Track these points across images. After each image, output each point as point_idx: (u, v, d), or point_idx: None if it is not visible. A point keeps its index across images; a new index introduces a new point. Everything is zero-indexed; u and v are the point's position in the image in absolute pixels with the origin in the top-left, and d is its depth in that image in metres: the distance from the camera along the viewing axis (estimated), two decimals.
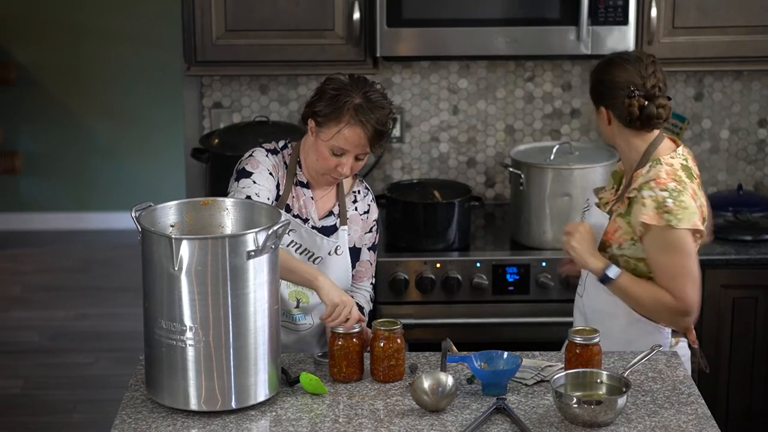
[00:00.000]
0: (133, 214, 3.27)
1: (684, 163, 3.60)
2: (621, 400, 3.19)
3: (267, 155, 3.71)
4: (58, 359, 6.05)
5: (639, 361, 3.44)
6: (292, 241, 3.68)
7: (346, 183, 3.80)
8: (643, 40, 4.54)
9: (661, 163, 3.56)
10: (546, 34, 4.49)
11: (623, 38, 4.49)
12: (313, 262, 3.70)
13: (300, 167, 3.72)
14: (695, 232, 3.52)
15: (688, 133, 4.98)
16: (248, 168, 3.66)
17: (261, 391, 3.27)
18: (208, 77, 4.90)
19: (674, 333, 3.67)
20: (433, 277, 4.44)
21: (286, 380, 3.41)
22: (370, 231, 3.83)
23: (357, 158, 3.63)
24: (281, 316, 3.72)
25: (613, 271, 3.55)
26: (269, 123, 4.69)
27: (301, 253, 3.69)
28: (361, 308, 3.78)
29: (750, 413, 4.57)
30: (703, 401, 3.34)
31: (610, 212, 3.64)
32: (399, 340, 3.44)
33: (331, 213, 3.74)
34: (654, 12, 4.51)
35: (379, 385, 3.42)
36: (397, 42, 4.51)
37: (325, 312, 3.52)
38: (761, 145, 5.01)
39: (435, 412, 3.26)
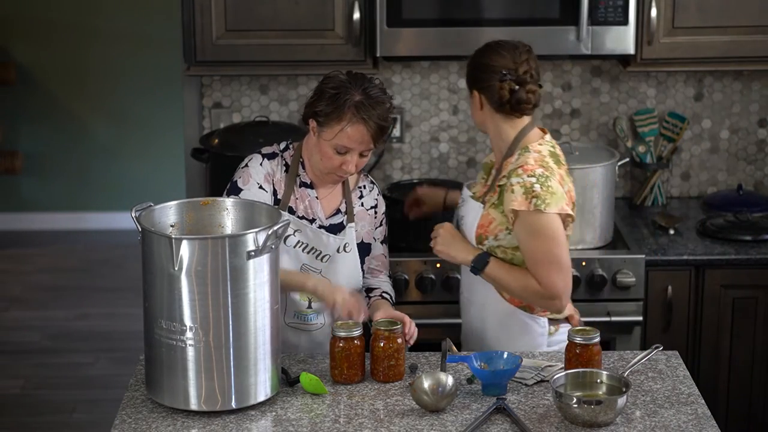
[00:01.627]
0: (133, 214, 3.27)
1: (552, 149, 3.68)
2: (621, 400, 3.19)
3: (262, 162, 3.70)
4: (58, 359, 6.05)
5: (639, 361, 3.44)
6: (299, 242, 3.67)
7: (351, 179, 3.80)
8: (643, 40, 4.54)
9: (530, 150, 3.64)
10: (546, 34, 4.49)
11: (623, 38, 4.48)
12: (322, 260, 3.69)
13: (303, 168, 3.72)
14: (564, 216, 3.60)
15: (688, 133, 4.98)
16: (239, 183, 3.67)
17: (261, 391, 3.27)
18: (208, 77, 4.90)
19: (553, 321, 3.73)
20: (433, 277, 4.44)
21: (286, 380, 3.41)
22: (381, 225, 3.83)
23: (361, 155, 3.63)
24: (292, 317, 3.71)
25: (480, 261, 3.63)
26: (269, 123, 4.69)
27: (308, 253, 3.68)
28: (390, 296, 3.80)
29: (750, 413, 4.57)
30: (703, 401, 3.34)
31: (483, 203, 3.70)
32: (399, 340, 3.44)
33: (338, 211, 3.74)
34: (654, 12, 4.51)
35: (379, 385, 3.42)
36: (397, 42, 4.51)
37: (336, 313, 3.54)
38: (761, 145, 5.00)
39: (435, 412, 3.26)
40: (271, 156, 3.72)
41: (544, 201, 3.54)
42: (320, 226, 3.70)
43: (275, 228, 3.21)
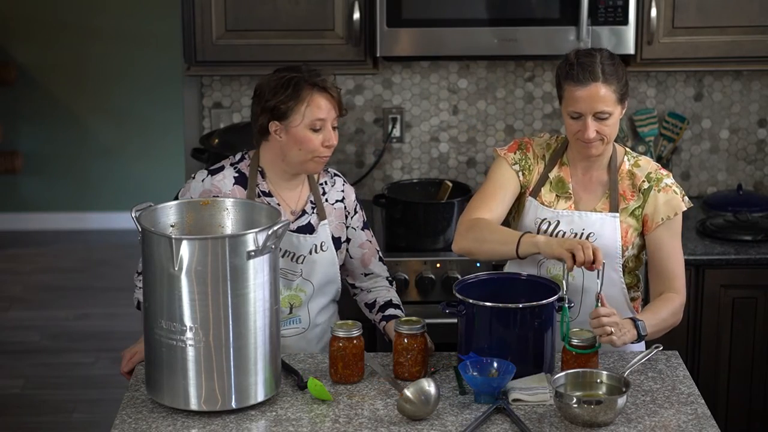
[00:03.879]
0: (133, 214, 3.27)
1: None
2: (621, 400, 3.19)
3: (204, 179, 3.66)
4: (58, 359, 6.06)
5: (639, 361, 3.44)
6: None
7: (313, 177, 3.77)
8: (643, 40, 4.54)
9: (633, 153, 3.69)
10: (546, 34, 4.49)
11: (623, 38, 4.49)
12: (297, 261, 3.67)
13: (262, 177, 3.69)
14: None
15: (688, 133, 4.99)
16: (179, 195, 3.67)
17: (261, 391, 3.27)
18: (208, 77, 4.90)
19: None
20: (433, 277, 4.44)
21: (297, 383, 3.40)
22: (356, 212, 3.81)
23: (334, 127, 3.62)
24: None
25: (644, 329, 3.46)
26: None
27: (283, 257, 3.66)
28: (396, 305, 3.75)
29: (750, 413, 4.58)
30: (703, 401, 3.34)
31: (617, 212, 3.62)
32: (420, 340, 3.43)
33: (303, 212, 3.72)
34: (654, 12, 4.51)
35: (379, 385, 3.42)
36: (396, 42, 4.51)
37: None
38: (761, 145, 5.01)
39: (427, 417, 3.24)
40: (215, 171, 3.69)
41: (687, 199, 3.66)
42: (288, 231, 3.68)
43: (275, 228, 3.21)
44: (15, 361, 6.03)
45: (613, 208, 3.60)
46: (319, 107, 3.57)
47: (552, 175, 3.68)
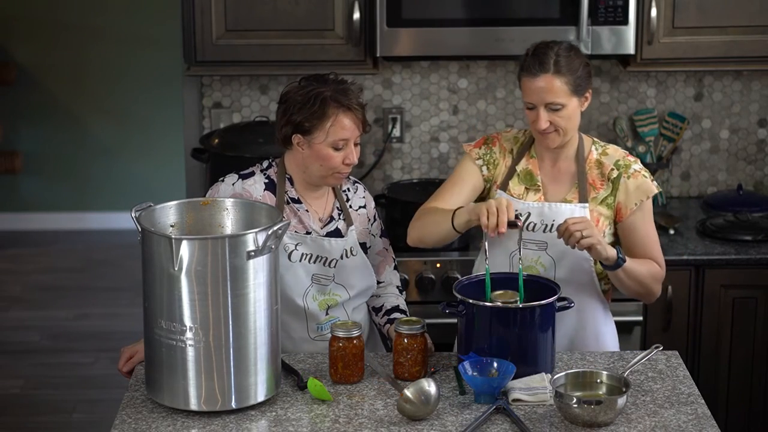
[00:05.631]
0: (133, 214, 3.27)
1: None
2: (621, 400, 3.19)
3: (235, 183, 3.65)
4: (58, 359, 6.06)
5: (639, 361, 3.44)
6: (303, 254, 3.65)
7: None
8: (643, 40, 4.54)
9: (600, 143, 3.72)
10: (546, 34, 4.48)
11: (623, 38, 4.49)
12: (330, 266, 3.67)
13: (291, 184, 3.71)
14: None
15: (688, 133, 4.99)
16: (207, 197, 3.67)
17: (261, 391, 3.27)
18: (208, 77, 4.90)
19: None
20: (433, 277, 4.44)
21: (297, 383, 3.40)
22: (375, 219, 3.83)
23: (355, 144, 3.63)
24: (315, 331, 3.69)
25: (622, 253, 3.53)
26: (269, 123, 4.69)
27: (315, 262, 3.66)
28: (403, 311, 3.76)
29: (750, 413, 4.58)
30: (703, 401, 3.34)
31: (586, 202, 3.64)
32: (420, 340, 3.43)
33: (330, 218, 3.73)
34: (654, 12, 4.51)
35: (379, 385, 3.42)
36: (396, 42, 4.51)
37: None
38: (761, 145, 5.01)
39: (427, 417, 3.24)
40: (246, 176, 3.69)
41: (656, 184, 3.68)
42: (318, 235, 3.69)
43: (275, 228, 3.21)
44: (15, 361, 6.03)
45: (582, 198, 3.63)
46: (344, 127, 3.57)
47: (519, 167, 3.72)
